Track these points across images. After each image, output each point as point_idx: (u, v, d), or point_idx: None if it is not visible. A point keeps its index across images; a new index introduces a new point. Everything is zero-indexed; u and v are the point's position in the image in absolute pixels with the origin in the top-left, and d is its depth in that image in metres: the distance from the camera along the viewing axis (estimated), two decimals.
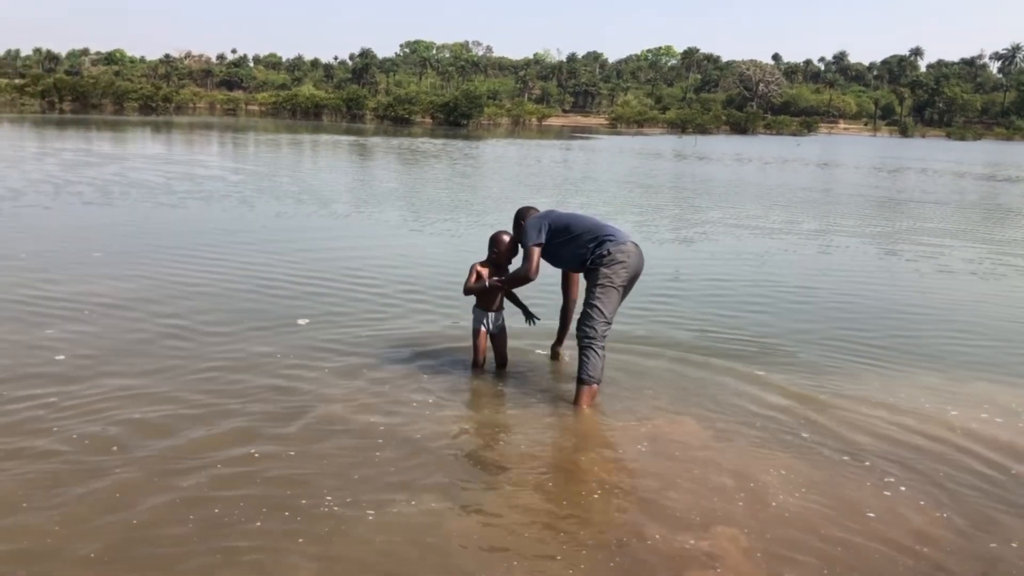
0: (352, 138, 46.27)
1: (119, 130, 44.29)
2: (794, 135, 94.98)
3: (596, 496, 4.26)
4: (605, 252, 5.49)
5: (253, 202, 15.62)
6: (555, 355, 6.39)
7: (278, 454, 4.49)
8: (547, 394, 5.70)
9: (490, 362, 6.13)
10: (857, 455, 4.80)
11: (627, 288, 5.65)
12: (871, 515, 4.09)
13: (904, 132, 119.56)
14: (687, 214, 16.93)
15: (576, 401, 5.43)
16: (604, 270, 5.48)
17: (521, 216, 5.99)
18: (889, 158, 49.32)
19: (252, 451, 4.52)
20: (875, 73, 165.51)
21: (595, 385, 5.44)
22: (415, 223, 13.93)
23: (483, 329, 6.02)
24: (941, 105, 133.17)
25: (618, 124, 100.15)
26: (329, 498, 4.04)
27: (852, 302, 9.02)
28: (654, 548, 3.73)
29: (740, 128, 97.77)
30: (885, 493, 4.35)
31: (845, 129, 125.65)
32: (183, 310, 7.39)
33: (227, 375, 5.74)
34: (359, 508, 3.95)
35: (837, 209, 19.32)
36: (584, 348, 5.45)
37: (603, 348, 5.48)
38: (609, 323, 5.52)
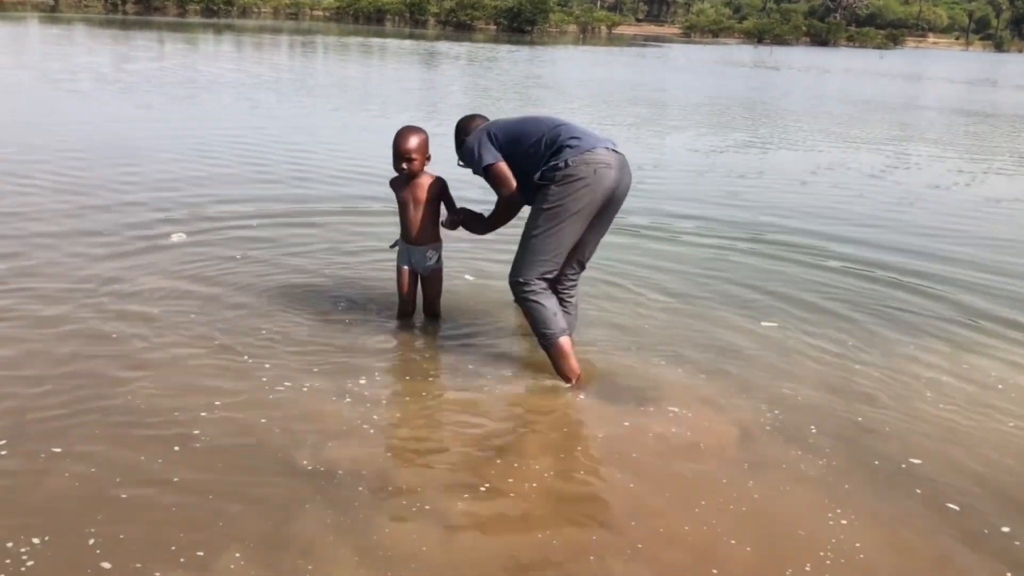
0: (398, 42, 44.35)
1: (179, 31, 43.05)
2: (878, 48, 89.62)
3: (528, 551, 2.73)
4: (561, 164, 3.81)
5: (254, 98, 14.18)
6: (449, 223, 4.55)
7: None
8: (494, 356, 4.17)
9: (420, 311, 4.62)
10: (975, 508, 3.11)
11: (600, 216, 3.98)
12: None
13: (999, 46, 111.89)
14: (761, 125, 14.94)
15: (558, 369, 3.97)
16: (555, 189, 3.82)
17: (462, 130, 4.30)
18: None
19: None
20: None
21: (562, 338, 3.90)
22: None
23: (403, 267, 4.46)
24: None
25: (692, 33, 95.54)
26: (42, 539, 2.59)
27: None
28: None
29: (821, 40, 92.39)
30: None
31: (934, 43, 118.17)
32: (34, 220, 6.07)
33: (28, 308, 4.39)
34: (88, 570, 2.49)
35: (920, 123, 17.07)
36: (520, 302, 3.96)
37: (546, 293, 3.93)
38: (553, 264, 3.94)
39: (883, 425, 3.69)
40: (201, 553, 2.61)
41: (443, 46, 40.38)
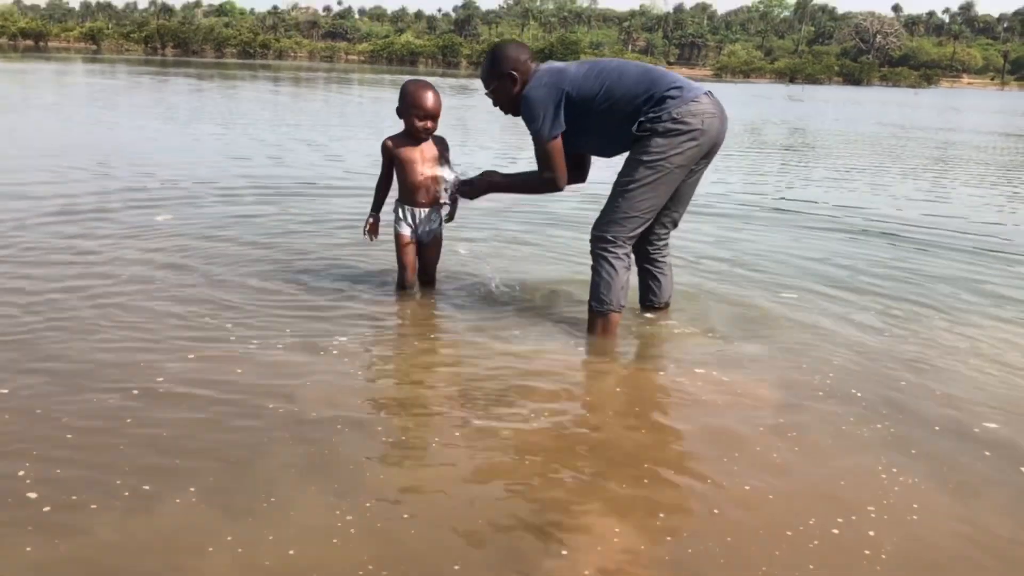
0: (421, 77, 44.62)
1: (215, 69, 43.72)
2: (912, 87, 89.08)
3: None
4: (663, 116, 3.41)
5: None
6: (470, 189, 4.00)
7: None
8: (495, 319, 3.81)
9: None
10: None
11: (696, 170, 3.62)
12: None
13: None
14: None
15: (589, 328, 3.64)
16: (659, 141, 3.42)
17: (507, 61, 3.69)
18: None
19: None
20: (1005, 25, 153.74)
21: (611, 314, 3.56)
22: None
23: (406, 233, 4.07)
24: None
25: (723, 74, 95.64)
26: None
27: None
28: None
29: (853, 79, 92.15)
30: None
31: (969, 83, 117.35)
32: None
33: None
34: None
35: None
36: (594, 259, 3.56)
37: (625, 261, 3.55)
38: (645, 220, 3.56)
39: (933, 390, 3.26)
40: (148, 487, 2.26)
41: (472, 83, 40.53)
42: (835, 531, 2.23)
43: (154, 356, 3.17)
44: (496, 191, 3.95)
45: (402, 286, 4.15)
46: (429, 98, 3.86)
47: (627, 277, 3.61)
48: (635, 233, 3.60)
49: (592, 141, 3.70)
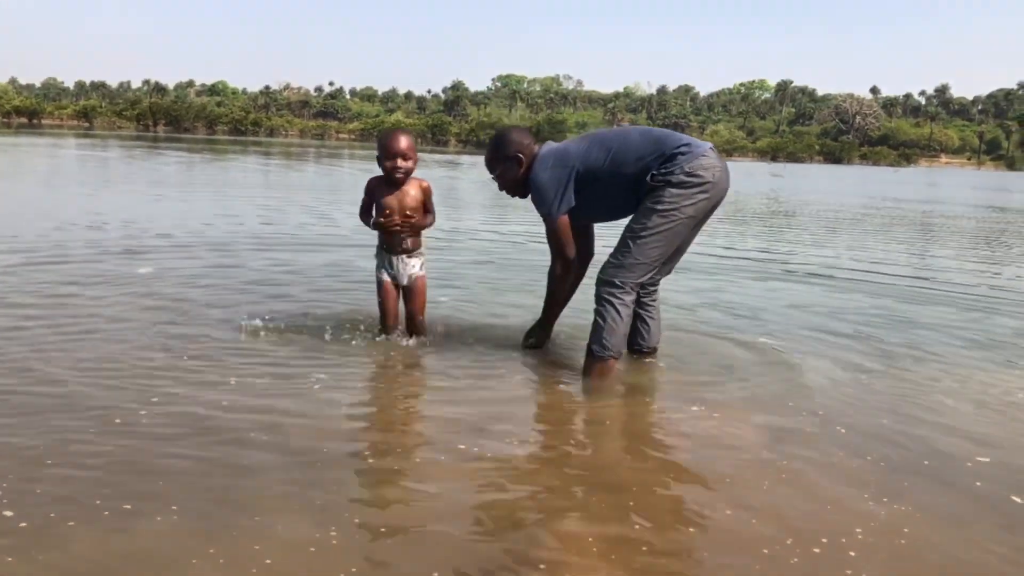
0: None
1: (207, 144, 44.22)
2: (892, 166, 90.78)
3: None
4: (675, 169, 3.49)
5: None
6: (537, 343, 4.12)
7: None
8: (479, 361, 3.83)
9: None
10: None
11: (702, 222, 3.69)
12: None
13: (1011, 166, 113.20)
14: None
15: (585, 371, 3.64)
16: (673, 191, 3.49)
17: (513, 144, 3.82)
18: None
19: None
20: (980, 107, 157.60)
21: (611, 360, 3.57)
22: None
23: (386, 279, 4.09)
24: None
25: None
26: None
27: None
28: None
29: (834, 158, 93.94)
30: None
31: (947, 163, 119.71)
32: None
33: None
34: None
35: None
36: (600, 303, 3.58)
37: (629, 309, 3.59)
38: (653, 269, 3.62)
39: (921, 426, 3.28)
40: (128, 506, 2.24)
41: (460, 158, 41.07)
42: (816, 550, 2.23)
43: (134, 391, 3.16)
44: (553, 318, 4.03)
45: (383, 332, 4.13)
46: (397, 139, 3.92)
47: (628, 324, 3.64)
48: (642, 280, 3.64)
49: (599, 206, 3.76)
